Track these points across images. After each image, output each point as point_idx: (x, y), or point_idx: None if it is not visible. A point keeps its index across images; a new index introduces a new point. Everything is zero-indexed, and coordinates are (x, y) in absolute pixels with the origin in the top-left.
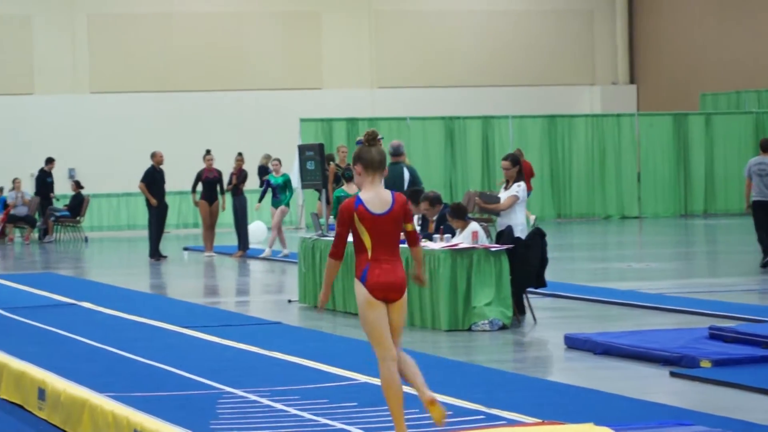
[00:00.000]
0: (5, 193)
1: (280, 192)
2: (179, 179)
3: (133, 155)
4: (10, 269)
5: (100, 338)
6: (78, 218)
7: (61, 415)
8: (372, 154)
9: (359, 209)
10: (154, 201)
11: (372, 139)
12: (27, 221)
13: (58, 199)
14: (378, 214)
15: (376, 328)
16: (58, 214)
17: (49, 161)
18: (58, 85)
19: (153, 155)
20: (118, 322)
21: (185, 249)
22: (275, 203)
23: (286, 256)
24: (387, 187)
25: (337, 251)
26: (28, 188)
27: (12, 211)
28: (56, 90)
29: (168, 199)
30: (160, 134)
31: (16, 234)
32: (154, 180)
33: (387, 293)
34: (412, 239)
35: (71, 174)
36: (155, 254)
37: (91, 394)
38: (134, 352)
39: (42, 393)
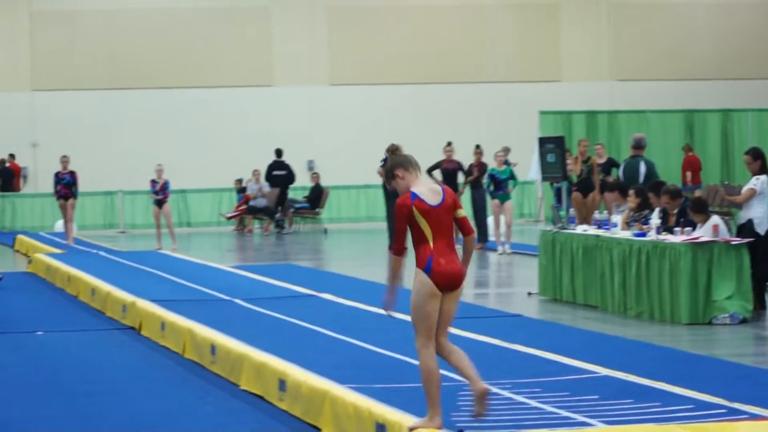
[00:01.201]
0: (245, 185)
1: (504, 185)
2: None
3: (371, 147)
4: (250, 260)
5: (341, 329)
6: (317, 210)
7: (301, 406)
8: (405, 156)
9: (417, 202)
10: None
11: (396, 149)
12: (266, 212)
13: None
14: (434, 206)
15: (430, 319)
16: (297, 205)
17: (279, 153)
18: (298, 77)
19: (392, 148)
20: (358, 313)
21: None
22: (501, 197)
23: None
24: (625, 179)
25: (399, 247)
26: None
27: (251, 203)
28: (295, 82)
29: None
30: (399, 126)
31: (256, 225)
32: None
33: (451, 282)
34: (465, 226)
35: (310, 166)
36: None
37: (331, 385)
38: (375, 343)
39: (283, 384)
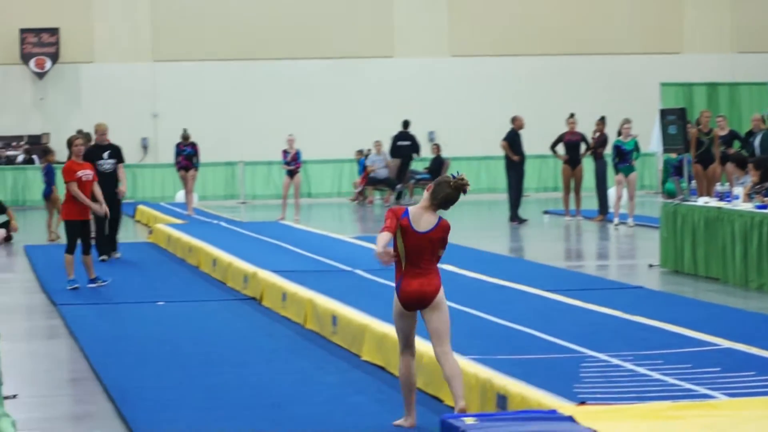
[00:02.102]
0: (366, 155)
1: (629, 157)
2: (538, 143)
3: (492, 119)
4: (371, 231)
5: (463, 301)
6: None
7: (423, 378)
8: (448, 196)
9: (404, 221)
10: (516, 157)
11: (458, 186)
12: (387, 183)
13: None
14: (417, 231)
15: (402, 333)
16: (418, 176)
17: (405, 124)
18: (418, 48)
19: (514, 119)
20: (480, 284)
21: (545, 212)
22: (625, 169)
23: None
24: (762, 152)
25: (389, 225)
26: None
27: (372, 174)
28: (416, 53)
29: (527, 163)
30: (519, 98)
31: (376, 196)
32: (514, 143)
33: (417, 302)
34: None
35: (431, 137)
36: (515, 217)
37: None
38: (497, 314)
39: None
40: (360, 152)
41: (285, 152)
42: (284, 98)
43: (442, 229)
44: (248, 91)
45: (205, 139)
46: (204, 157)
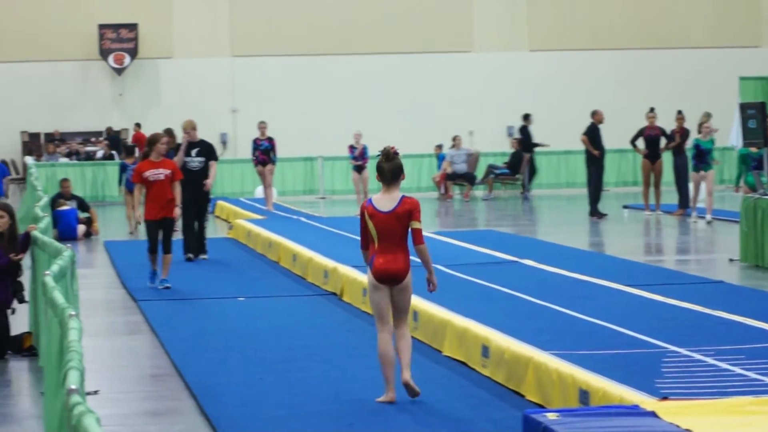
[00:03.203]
0: (444, 151)
1: (708, 157)
2: (617, 137)
3: (571, 113)
4: (451, 226)
5: (543, 295)
6: (517, 176)
7: (504, 373)
8: (385, 168)
9: (368, 207)
10: (596, 152)
11: (386, 156)
12: (466, 178)
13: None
14: (382, 212)
15: (377, 307)
16: (497, 171)
17: (527, 117)
18: (497, 42)
19: (594, 113)
20: (560, 279)
21: (625, 207)
22: (704, 167)
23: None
24: None
25: (362, 242)
26: (468, 144)
27: (452, 169)
28: (494, 47)
29: (606, 158)
30: (598, 92)
31: (455, 191)
32: (594, 137)
33: (390, 278)
34: (415, 237)
35: (510, 131)
36: (595, 212)
37: (535, 351)
38: (577, 309)
39: (485, 350)
40: (439, 147)
41: (352, 148)
42: (363, 93)
43: (405, 205)
44: (326, 85)
45: (283, 134)
46: (283, 152)
